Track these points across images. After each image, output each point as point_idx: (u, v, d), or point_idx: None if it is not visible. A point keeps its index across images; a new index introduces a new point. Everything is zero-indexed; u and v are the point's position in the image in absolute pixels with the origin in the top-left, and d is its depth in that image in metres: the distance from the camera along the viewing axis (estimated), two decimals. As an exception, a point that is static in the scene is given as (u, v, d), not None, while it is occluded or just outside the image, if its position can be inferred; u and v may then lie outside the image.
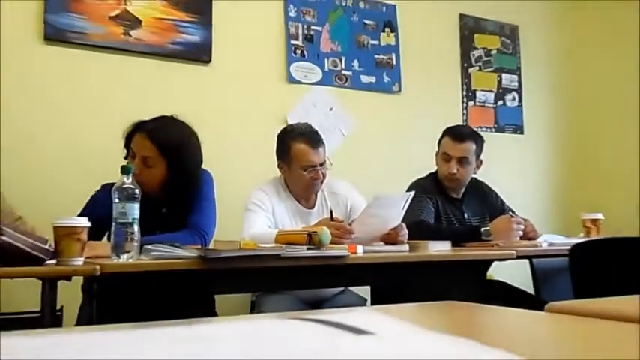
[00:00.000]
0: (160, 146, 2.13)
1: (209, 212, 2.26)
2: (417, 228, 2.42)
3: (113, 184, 2.20)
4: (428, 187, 2.75)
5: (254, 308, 2.45)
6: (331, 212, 2.36)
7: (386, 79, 3.56)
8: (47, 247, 1.60)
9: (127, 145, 2.24)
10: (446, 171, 2.73)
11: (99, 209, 1.96)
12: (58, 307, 1.70)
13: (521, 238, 2.55)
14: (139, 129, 2.20)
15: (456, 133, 2.77)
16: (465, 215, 2.81)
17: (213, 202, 2.31)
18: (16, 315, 1.85)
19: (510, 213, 2.71)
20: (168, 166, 2.12)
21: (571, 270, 2.06)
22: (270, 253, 1.83)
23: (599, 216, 2.79)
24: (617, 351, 0.36)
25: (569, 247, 2.12)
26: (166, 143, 2.14)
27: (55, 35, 2.73)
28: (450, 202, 2.80)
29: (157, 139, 2.14)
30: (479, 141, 2.79)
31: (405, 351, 0.25)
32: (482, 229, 2.51)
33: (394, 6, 3.62)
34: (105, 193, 2.17)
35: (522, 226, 2.55)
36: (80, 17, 2.77)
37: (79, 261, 1.61)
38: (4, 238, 1.51)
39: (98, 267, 1.57)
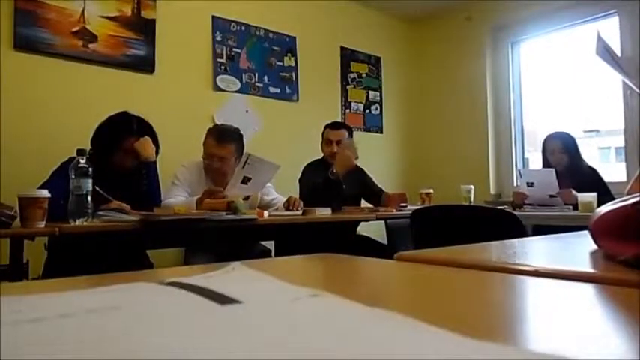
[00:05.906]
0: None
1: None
2: (312, 191, 2.48)
3: (71, 160, 1.99)
4: (318, 167, 2.77)
5: (186, 260, 2.32)
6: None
7: (287, 90, 3.50)
8: (12, 213, 1.43)
9: (112, 140, 2.02)
10: (329, 152, 2.77)
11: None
12: (25, 261, 1.54)
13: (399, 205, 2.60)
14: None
15: (333, 125, 2.87)
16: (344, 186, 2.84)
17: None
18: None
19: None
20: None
21: (411, 227, 2.14)
22: (197, 217, 1.74)
23: (431, 190, 2.91)
24: (443, 285, 0.35)
25: (410, 212, 2.19)
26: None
27: (23, 44, 2.43)
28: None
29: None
30: (349, 129, 2.88)
31: (260, 321, 0.20)
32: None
33: (294, 37, 3.55)
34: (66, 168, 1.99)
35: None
36: (46, 31, 2.48)
37: (42, 224, 1.46)
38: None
39: (57, 229, 1.43)
